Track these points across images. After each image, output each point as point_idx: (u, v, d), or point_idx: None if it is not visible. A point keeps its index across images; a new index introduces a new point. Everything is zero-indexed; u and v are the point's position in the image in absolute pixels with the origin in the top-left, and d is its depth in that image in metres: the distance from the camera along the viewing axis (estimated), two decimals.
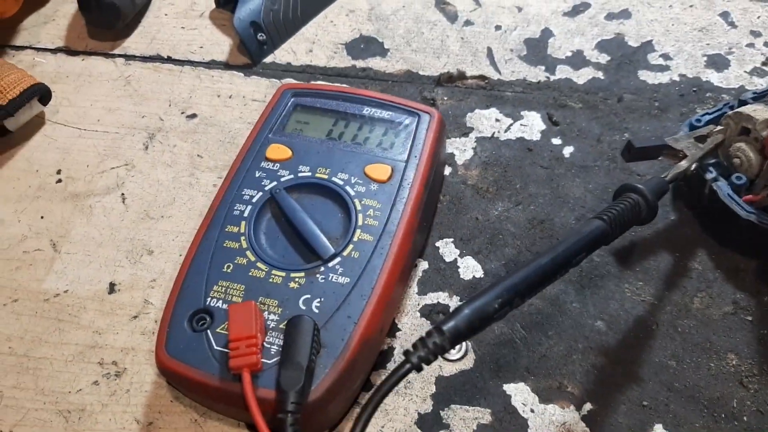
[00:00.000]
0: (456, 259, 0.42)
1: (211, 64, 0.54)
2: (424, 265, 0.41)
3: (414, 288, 0.40)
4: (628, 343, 0.38)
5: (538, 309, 0.39)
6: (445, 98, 0.50)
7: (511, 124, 0.48)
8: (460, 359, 0.37)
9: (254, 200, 0.38)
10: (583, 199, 0.44)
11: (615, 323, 0.38)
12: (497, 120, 0.48)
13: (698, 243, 0.41)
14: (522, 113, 0.49)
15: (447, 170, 0.46)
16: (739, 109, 0.39)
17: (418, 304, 0.40)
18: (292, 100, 0.43)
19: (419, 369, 0.27)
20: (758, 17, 0.53)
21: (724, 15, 0.53)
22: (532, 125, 0.48)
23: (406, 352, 0.27)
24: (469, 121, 0.48)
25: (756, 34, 0.52)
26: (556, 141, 0.47)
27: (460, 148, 0.47)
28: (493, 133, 0.48)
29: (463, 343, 0.38)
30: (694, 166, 0.38)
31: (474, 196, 0.44)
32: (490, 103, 0.49)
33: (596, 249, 0.32)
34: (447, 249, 0.42)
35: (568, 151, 0.46)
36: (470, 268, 0.41)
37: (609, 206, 0.33)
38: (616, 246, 0.41)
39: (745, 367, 0.36)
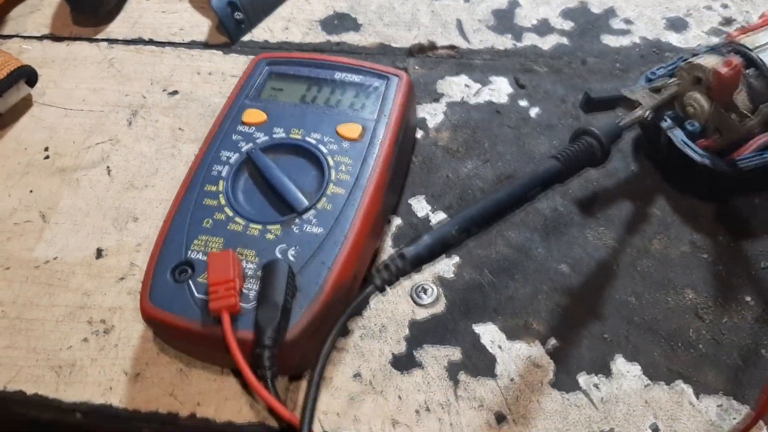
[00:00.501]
0: (428, 214, 0.43)
1: (191, 45, 0.56)
2: (397, 221, 0.43)
3: (388, 242, 0.42)
4: (591, 283, 0.40)
5: (505, 256, 0.41)
6: (417, 67, 0.52)
7: (479, 89, 0.50)
8: (431, 304, 0.39)
9: (231, 161, 0.40)
10: (548, 154, 0.45)
11: (578, 266, 0.40)
12: (467, 86, 0.50)
13: (658, 191, 0.43)
14: (490, 78, 0.51)
15: (419, 134, 0.48)
16: (691, 59, 0.41)
17: None
18: (267, 68, 0.45)
19: (382, 290, 0.29)
20: None
21: None
22: (499, 89, 0.50)
23: (369, 276, 0.29)
24: (439, 88, 0.50)
25: None
26: (523, 103, 0.49)
27: (431, 113, 0.49)
28: (463, 97, 0.50)
29: (435, 289, 0.40)
30: (648, 113, 0.40)
31: (445, 156, 0.46)
32: (460, 70, 0.51)
33: (551, 185, 0.34)
34: (419, 205, 0.44)
35: (534, 111, 0.48)
36: (441, 223, 0.43)
37: (564, 147, 0.35)
38: (579, 196, 0.43)
39: (701, 300, 0.38)
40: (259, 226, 0.37)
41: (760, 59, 0.39)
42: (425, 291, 0.40)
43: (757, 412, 0.29)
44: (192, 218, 0.38)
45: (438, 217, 0.43)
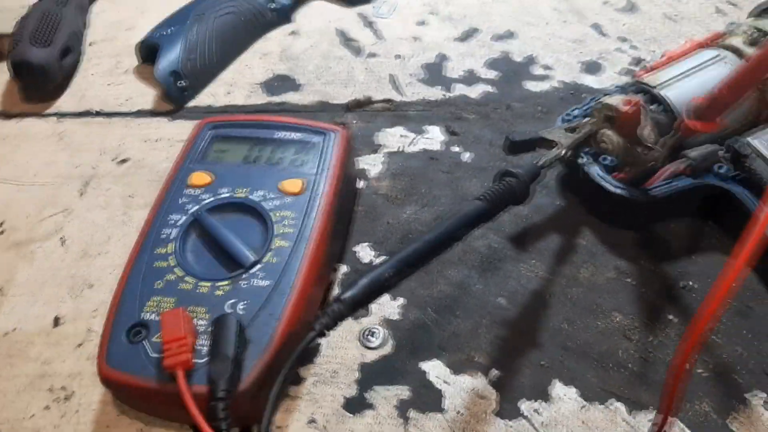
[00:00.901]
0: (372, 260, 0.46)
1: (139, 114, 0.58)
2: (344, 268, 0.45)
3: (336, 290, 0.44)
4: (527, 313, 0.42)
5: (446, 294, 0.43)
6: (355, 121, 0.55)
7: (415, 138, 0.53)
8: (380, 346, 0.41)
9: (179, 223, 0.42)
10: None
11: (514, 298, 0.43)
12: (403, 136, 0.54)
13: (583, 223, 0.46)
14: (424, 128, 0.54)
15: (361, 184, 0.50)
16: (602, 100, 0.44)
17: None
18: (211, 132, 0.47)
19: (322, 334, 0.31)
20: (624, 25, 0.60)
21: (595, 26, 0.60)
22: (433, 137, 0.53)
23: (309, 322, 0.31)
24: (377, 140, 0.53)
25: (623, 39, 0.58)
26: (456, 149, 0.52)
27: (371, 164, 0.52)
28: (400, 147, 0.53)
29: (382, 331, 0.42)
30: (565, 152, 0.43)
31: (385, 203, 0.49)
32: (396, 122, 0.55)
33: (477, 224, 0.37)
34: (364, 252, 0.46)
35: (466, 156, 0.51)
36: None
37: (488, 188, 0.38)
38: (511, 232, 0.46)
39: (628, 322, 0.41)
40: (209, 284, 0.39)
41: (662, 95, 0.43)
42: (373, 334, 0.42)
43: (664, 411, 0.31)
44: (144, 280, 0.40)
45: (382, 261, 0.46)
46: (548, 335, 0.41)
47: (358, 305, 0.31)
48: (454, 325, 0.42)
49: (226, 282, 0.39)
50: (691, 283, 0.42)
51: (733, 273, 0.27)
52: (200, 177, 0.44)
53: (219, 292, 0.39)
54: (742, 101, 0.39)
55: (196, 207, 0.43)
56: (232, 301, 0.38)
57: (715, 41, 0.47)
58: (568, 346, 0.40)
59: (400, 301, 0.43)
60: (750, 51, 0.44)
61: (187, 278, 0.40)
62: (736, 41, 0.45)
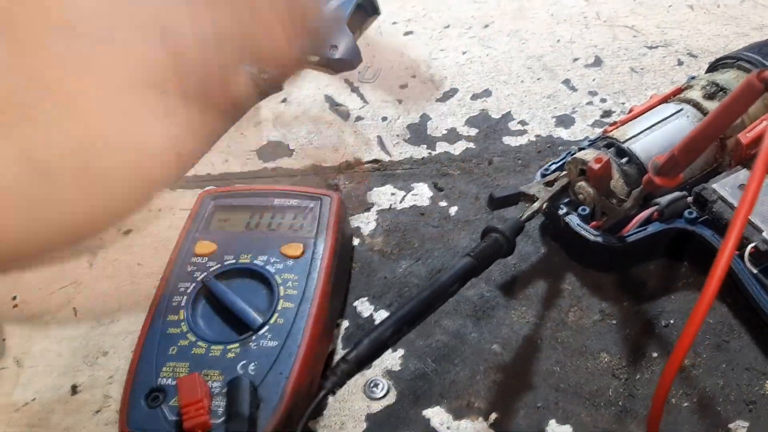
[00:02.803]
0: (372, 314, 0.49)
1: None
2: (345, 323, 0.48)
3: (339, 344, 0.47)
4: (520, 358, 0.45)
5: (444, 343, 0.46)
6: (347, 183, 0.58)
7: (404, 196, 0.56)
8: (383, 397, 0.44)
9: (189, 291, 0.45)
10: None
11: (508, 344, 0.46)
12: (392, 194, 0.57)
13: (566, 268, 0.49)
14: (412, 185, 0.57)
15: (356, 242, 0.53)
16: (575, 155, 0.48)
17: None
18: (212, 202, 0.50)
19: (333, 393, 0.33)
20: (593, 80, 0.64)
21: (566, 82, 0.64)
22: (421, 194, 0.56)
23: (320, 381, 0.34)
24: (369, 198, 0.57)
25: (593, 93, 0.62)
26: (443, 204, 0.55)
27: (365, 222, 0.55)
28: (390, 205, 0.56)
29: (385, 382, 0.44)
30: (545, 205, 0.46)
31: (381, 259, 0.52)
32: (385, 180, 0.58)
33: (468, 280, 0.40)
34: (363, 307, 0.49)
35: (453, 210, 0.55)
36: (379, 324, 0.48)
37: (476, 245, 0.41)
38: (500, 281, 0.49)
39: (616, 362, 0.44)
40: (221, 347, 0.42)
41: (629, 149, 0.47)
42: (377, 385, 0.44)
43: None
44: (159, 347, 0.42)
45: (381, 315, 0.48)
46: (541, 378, 0.44)
47: (363, 364, 0.34)
48: (452, 373, 0.44)
49: (236, 344, 0.42)
50: (672, 321, 0.45)
51: (703, 305, 0.30)
52: (205, 246, 0.47)
53: (230, 355, 0.41)
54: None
55: (204, 274, 0.46)
56: (243, 362, 0.41)
57: (676, 95, 0.51)
58: (561, 387, 0.43)
59: (401, 352, 0.46)
60: (707, 104, 0.48)
61: (199, 343, 0.42)
62: (696, 95, 0.49)
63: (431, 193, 0.56)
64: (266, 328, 0.42)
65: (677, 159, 0.37)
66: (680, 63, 0.64)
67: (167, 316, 0.44)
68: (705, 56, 0.64)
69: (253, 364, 0.41)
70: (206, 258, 0.47)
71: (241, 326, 0.43)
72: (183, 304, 0.44)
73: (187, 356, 0.42)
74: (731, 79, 0.50)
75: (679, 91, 0.52)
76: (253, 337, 0.42)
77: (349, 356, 0.34)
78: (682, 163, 0.37)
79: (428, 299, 0.37)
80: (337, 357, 0.46)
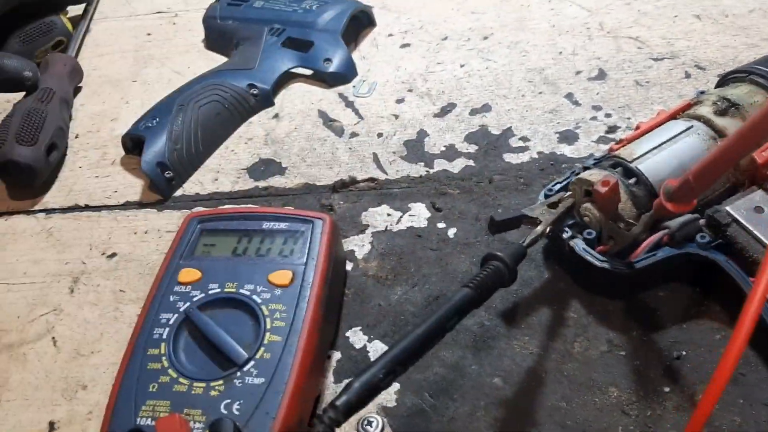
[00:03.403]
0: (365, 345, 0.46)
1: (126, 206, 0.59)
2: (337, 355, 0.46)
3: (330, 378, 0.44)
4: (523, 393, 0.42)
5: (442, 376, 0.43)
6: (341, 202, 0.56)
7: (401, 217, 0.54)
8: None
9: (171, 322, 0.42)
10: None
11: (510, 377, 0.43)
12: (389, 214, 0.54)
13: (571, 294, 0.47)
14: (409, 205, 0.55)
15: (349, 266, 0.51)
16: (580, 175, 0.45)
17: (336, 393, 0.43)
18: (198, 226, 0.48)
19: None
20: (597, 94, 0.61)
21: (569, 96, 0.62)
22: (419, 214, 0.54)
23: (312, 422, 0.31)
24: (364, 219, 0.54)
25: (597, 108, 0.60)
26: (441, 225, 0.53)
27: (359, 244, 0.52)
28: (386, 226, 0.53)
29: (379, 420, 0.41)
30: (548, 229, 0.44)
31: (375, 285, 0.49)
32: (381, 200, 0.55)
33: (467, 313, 0.37)
34: (356, 337, 0.46)
35: (452, 232, 0.52)
36: (379, 351, 0.45)
37: (475, 274, 0.39)
38: (501, 309, 0.47)
39: (625, 397, 0.41)
40: (203, 384, 0.39)
41: (638, 170, 0.44)
42: (370, 423, 0.41)
43: None
44: (138, 383, 0.40)
45: (375, 346, 0.46)
46: (546, 414, 0.41)
47: (353, 410, 0.31)
48: (451, 409, 0.42)
49: (219, 382, 0.39)
50: (684, 352, 0.43)
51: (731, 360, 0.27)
52: (189, 273, 0.45)
53: (214, 393, 0.39)
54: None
55: (187, 304, 0.43)
56: (227, 401, 0.38)
57: (685, 111, 0.49)
58: (568, 425, 0.40)
59: (396, 387, 0.43)
60: (719, 121, 0.45)
61: (181, 380, 0.39)
62: (706, 111, 0.47)
63: (429, 214, 0.54)
64: (252, 363, 0.40)
65: (692, 185, 0.34)
66: (688, 76, 0.62)
67: (147, 349, 0.41)
68: (714, 68, 0.62)
69: (237, 403, 0.38)
70: (190, 287, 0.44)
71: (225, 362, 0.40)
72: (165, 336, 0.42)
73: (168, 394, 0.39)
74: (744, 94, 0.47)
75: (688, 106, 0.49)
76: (238, 374, 0.39)
77: (338, 401, 0.31)
78: (697, 189, 0.35)
79: (424, 336, 0.35)
80: (328, 392, 0.44)
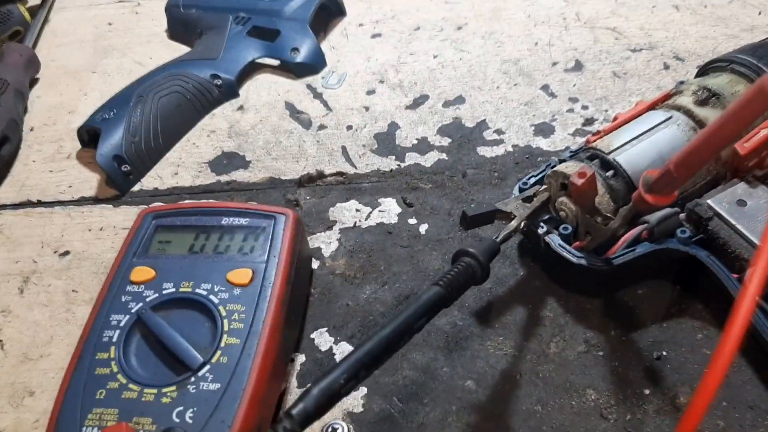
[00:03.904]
0: (331, 347, 0.43)
1: (81, 201, 0.55)
2: (301, 358, 0.43)
3: (294, 382, 0.42)
4: (497, 396, 0.40)
5: (412, 380, 0.41)
6: (308, 197, 0.53)
7: (370, 212, 0.51)
8: None
9: (122, 324, 0.40)
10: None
11: (483, 380, 0.41)
12: (357, 210, 0.52)
13: (547, 292, 0.45)
14: (379, 200, 0.52)
15: (315, 264, 0.48)
16: (555, 168, 0.43)
17: None
18: (153, 222, 0.45)
19: None
20: (574, 85, 0.59)
21: (545, 88, 0.60)
22: (389, 210, 0.52)
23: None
24: (331, 215, 0.52)
25: (574, 100, 0.58)
26: (412, 221, 0.50)
27: (326, 241, 0.50)
28: (355, 222, 0.51)
29: (345, 426, 0.39)
30: (523, 224, 0.42)
31: (343, 284, 0.47)
32: (350, 195, 0.53)
33: (437, 312, 0.35)
34: (322, 339, 0.44)
35: (423, 228, 0.50)
36: (346, 354, 0.43)
37: (445, 272, 0.36)
38: (475, 308, 0.45)
39: (603, 400, 0.39)
40: (154, 391, 0.36)
41: (616, 162, 0.42)
42: (336, 430, 0.39)
43: None
44: (85, 390, 0.37)
45: (342, 348, 0.43)
46: (521, 419, 0.39)
47: (310, 420, 0.28)
48: (421, 414, 0.39)
49: (172, 388, 0.36)
50: (664, 353, 0.41)
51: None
52: (143, 272, 0.42)
53: (166, 400, 0.36)
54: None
55: (139, 305, 0.40)
56: (180, 408, 0.35)
57: (665, 101, 0.47)
58: (543, 430, 0.38)
59: (363, 391, 0.41)
60: (700, 111, 0.44)
61: (130, 386, 0.37)
62: (686, 101, 0.45)
63: (400, 210, 0.51)
64: (207, 368, 0.37)
65: (673, 175, 0.32)
66: (666, 67, 0.60)
67: (96, 353, 0.39)
68: (693, 59, 0.60)
69: (191, 410, 0.35)
70: (143, 286, 0.41)
71: (179, 366, 0.37)
72: (115, 339, 0.39)
73: (117, 401, 0.36)
74: (724, 83, 0.46)
75: (668, 96, 0.47)
76: (192, 379, 0.37)
77: (293, 410, 0.28)
78: (678, 180, 0.33)
79: (390, 338, 0.32)
80: (290, 398, 0.41)
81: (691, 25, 0.64)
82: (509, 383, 0.41)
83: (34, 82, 0.68)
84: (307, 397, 0.29)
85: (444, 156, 0.55)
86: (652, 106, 0.47)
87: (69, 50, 0.72)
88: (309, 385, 0.30)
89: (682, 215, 0.42)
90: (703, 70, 0.49)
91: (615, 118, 0.47)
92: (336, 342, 0.44)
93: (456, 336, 0.43)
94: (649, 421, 0.38)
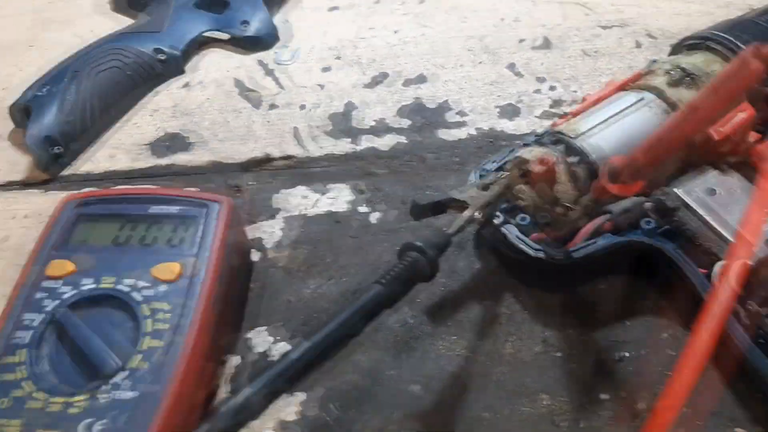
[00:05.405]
0: (269, 347, 0.40)
1: (8, 186, 0.51)
2: (236, 359, 0.40)
3: (227, 387, 0.38)
4: (444, 402, 0.37)
5: (354, 384, 0.38)
6: (252, 183, 0.49)
7: (318, 199, 0.48)
8: None
9: (35, 324, 0.36)
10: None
11: (431, 383, 0.38)
12: (304, 197, 0.48)
13: (504, 287, 0.42)
14: (328, 186, 0.49)
15: (256, 256, 0.45)
16: (517, 153, 0.40)
17: None
18: (75, 211, 0.41)
19: None
20: (541, 64, 0.56)
21: (511, 66, 0.56)
22: (339, 197, 0.48)
23: None
24: (275, 203, 0.48)
25: (541, 80, 0.55)
26: (363, 209, 0.47)
27: (268, 231, 0.46)
28: (301, 210, 0.47)
29: None
30: (477, 213, 0.38)
31: (285, 278, 0.43)
32: (298, 181, 0.49)
33: (378, 314, 0.32)
34: (260, 338, 0.40)
35: (375, 217, 0.46)
36: (282, 354, 0.39)
37: (389, 268, 0.33)
38: (427, 304, 0.41)
39: (557, 405, 0.36)
40: (62, 400, 0.33)
41: (581, 147, 0.39)
42: None
43: None
44: None
45: (281, 348, 0.40)
46: (467, 427, 0.36)
47: None
48: (359, 422, 0.36)
49: (82, 397, 0.33)
50: (626, 354, 0.38)
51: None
52: (60, 266, 0.38)
53: (73, 410, 0.32)
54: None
55: (56, 303, 0.37)
56: (89, 420, 0.32)
57: (636, 82, 0.43)
58: None
59: (300, 396, 0.37)
60: (673, 93, 0.40)
61: (35, 394, 0.33)
62: (659, 82, 0.41)
63: (351, 197, 0.48)
64: (124, 374, 0.34)
65: (640, 163, 0.29)
66: (638, 45, 0.57)
67: (4, 357, 0.35)
68: (666, 38, 0.57)
69: (101, 422, 0.32)
70: (60, 281, 0.38)
71: (93, 372, 0.34)
72: (26, 342, 0.35)
73: (21, 411, 0.33)
74: (700, 62, 0.42)
75: (639, 77, 0.44)
76: (104, 387, 0.33)
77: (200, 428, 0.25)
78: (646, 169, 0.29)
79: (322, 343, 0.29)
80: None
81: (664, 1, 0.61)
82: (458, 388, 0.37)
83: None
84: (215, 418, 0.25)
85: (402, 139, 0.51)
86: (623, 87, 0.44)
87: (5, 23, 0.67)
88: (219, 404, 0.26)
89: (647, 205, 0.39)
90: (677, 48, 0.46)
91: (584, 100, 0.44)
92: (275, 342, 0.40)
93: (406, 335, 0.40)
94: (604, 429, 0.35)
